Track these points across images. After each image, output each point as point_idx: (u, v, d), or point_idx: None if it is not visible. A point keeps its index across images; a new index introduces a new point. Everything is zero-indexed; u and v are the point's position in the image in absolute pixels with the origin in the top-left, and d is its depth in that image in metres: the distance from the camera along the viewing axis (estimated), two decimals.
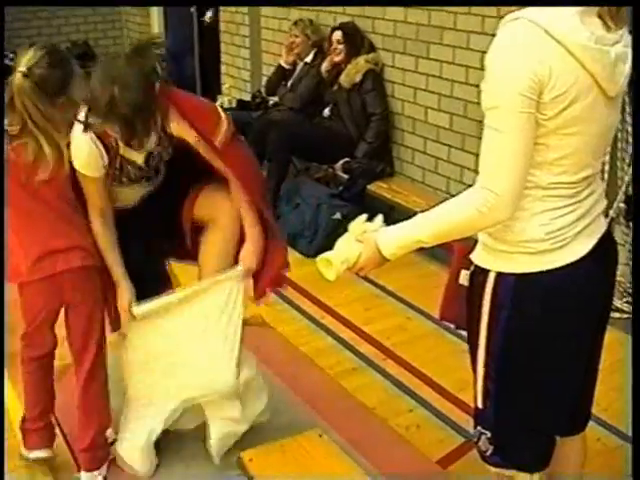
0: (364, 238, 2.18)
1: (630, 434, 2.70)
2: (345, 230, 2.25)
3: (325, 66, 5.65)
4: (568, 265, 2.00)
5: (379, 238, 2.13)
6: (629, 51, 1.91)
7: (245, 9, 7.11)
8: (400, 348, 3.94)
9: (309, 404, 3.39)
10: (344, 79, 5.31)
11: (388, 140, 5.51)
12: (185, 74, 8.84)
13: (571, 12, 1.83)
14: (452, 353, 3.83)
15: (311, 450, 2.87)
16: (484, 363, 2.14)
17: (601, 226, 2.08)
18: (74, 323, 2.80)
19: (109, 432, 2.93)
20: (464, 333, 3.98)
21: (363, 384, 3.64)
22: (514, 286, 2.03)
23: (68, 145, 2.61)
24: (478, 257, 2.13)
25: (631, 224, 3.79)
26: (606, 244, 2.09)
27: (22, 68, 2.50)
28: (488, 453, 2.23)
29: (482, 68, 5.41)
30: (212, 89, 8.32)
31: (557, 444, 2.27)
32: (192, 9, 8.40)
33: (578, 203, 1.99)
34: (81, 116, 2.54)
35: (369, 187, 5.26)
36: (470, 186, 2.00)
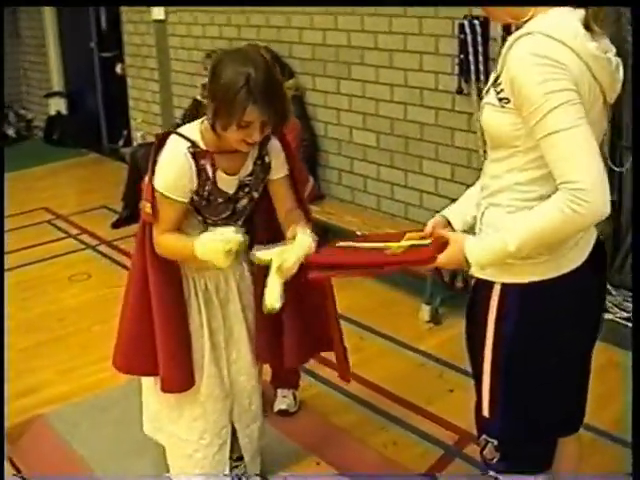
0: (437, 237, 2.13)
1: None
2: None
3: None
4: (570, 272, 2.05)
5: (467, 243, 2.03)
6: (619, 59, 1.98)
7: (152, 41, 7.03)
8: (359, 368, 3.92)
9: (282, 430, 3.38)
10: None
11: (315, 163, 5.52)
12: (88, 109, 8.69)
13: (572, 22, 1.88)
14: (409, 368, 3.91)
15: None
16: (491, 373, 2.15)
17: (594, 232, 2.14)
18: None
19: None
20: (420, 347, 4.04)
21: (333, 408, 3.63)
22: (520, 295, 2.06)
23: None
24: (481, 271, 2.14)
25: None
26: (598, 249, 2.15)
27: None
28: (494, 460, 2.24)
29: (407, 85, 5.41)
30: (118, 125, 8.19)
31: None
32: (92, 44, 8.24)
33: None
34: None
35: None
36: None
